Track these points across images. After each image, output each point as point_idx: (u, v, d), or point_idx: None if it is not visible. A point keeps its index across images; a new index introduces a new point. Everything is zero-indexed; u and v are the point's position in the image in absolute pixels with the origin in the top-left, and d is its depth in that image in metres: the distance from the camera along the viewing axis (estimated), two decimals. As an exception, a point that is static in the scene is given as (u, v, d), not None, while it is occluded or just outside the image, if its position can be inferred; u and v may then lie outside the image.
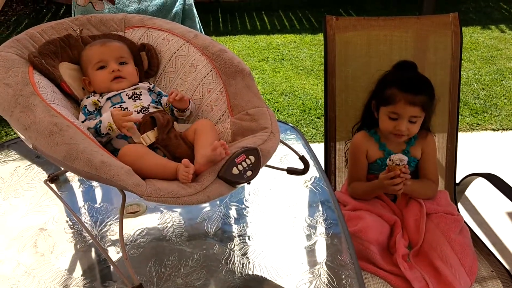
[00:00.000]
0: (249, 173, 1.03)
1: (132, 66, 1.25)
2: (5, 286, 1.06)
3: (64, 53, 1.24)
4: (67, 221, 1.25)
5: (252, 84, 1.23)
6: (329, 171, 1.83)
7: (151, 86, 1.25)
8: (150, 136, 1.11)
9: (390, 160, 1.45)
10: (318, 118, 3.37)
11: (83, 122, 1.13)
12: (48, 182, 1.38)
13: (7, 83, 1.03)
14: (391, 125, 1.52)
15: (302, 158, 1.31)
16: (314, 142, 3.13)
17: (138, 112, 1.16)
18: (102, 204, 1.33)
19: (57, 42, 1.23)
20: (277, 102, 3.57)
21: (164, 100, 1.24)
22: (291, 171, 1.34)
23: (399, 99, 1.49)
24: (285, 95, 3.68)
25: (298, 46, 4.54)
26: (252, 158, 1.05)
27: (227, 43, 4.59)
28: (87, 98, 1.19)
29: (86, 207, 1.32)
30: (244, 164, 1.03)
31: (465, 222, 1.57)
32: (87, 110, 1.16)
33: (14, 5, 5.50)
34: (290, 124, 1.66)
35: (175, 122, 1.18)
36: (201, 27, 2.21)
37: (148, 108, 1.18)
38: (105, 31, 1.33)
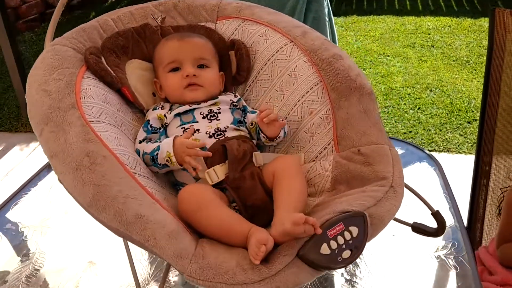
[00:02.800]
0: (346, 253, 0.69)
1: (214, 71, 0.95)
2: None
3: (137, 47, 0.99)
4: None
5: (372, 108, 0.86)
6: (476, 212, 1.38)
7: (235, 100, 0.95)
8: (218, 172, 0.82)
9: None
10: (469, 122, 2.81)
11: (140, 142, 0.87)
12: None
13: (46, 90, 0.80)
14: None
15: (436, 215, 0.92)
16: (460, 153, 2.60)
17: (210, 136, 0.87)
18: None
19: (129, 34, 0.98)
20: (419, 98, 3.06)
21: (249, 118, 0.94)
22: (418, 228, 0.95)
23: None
24: (430, 90, 3.14)
25: (453, 31, 3.90)
26: (354, 230, 0.70)
27: (369, 24, 4.11)
28: (153, 109, 0.93)
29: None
30: (341, 240, 0.69)
31: None
32: (150, 126, 0.90)
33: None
34: (427, 151, 1.25)
35: (257, 153, 0.87)
36: (331, 11, 1.85)
37: (225, 131, 0.88)
38: (192, 21, 1.05)
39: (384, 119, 2.88)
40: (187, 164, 0.79)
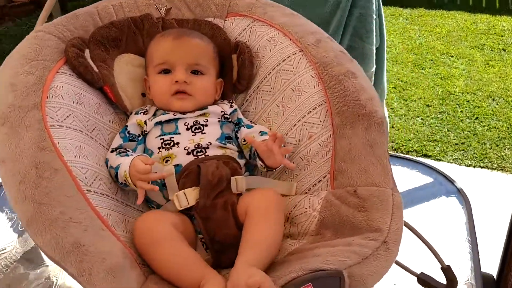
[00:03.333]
0: (311, 321, 0.58)
1: (209, 79, 0.84)
2: None
3: (132, 40, 0.89)
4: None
5: (380, 142, 0.73)
6: (510, 260, 1.21)
7: (228, 111, 0.84)
8: (189, 196, 0.72)
9: None
10: (530, 140, 2.55)
11: (112, 151, 0.78)
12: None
13: (13, 84, 0.73)
14: None
15: (446, 271, 0.78)
16: (514, 173, 2.36)
17: (188, 153, 0.76)
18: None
19: (125, 25, 0.89)
20: (478, 107, 2.82)
21: (243, 133, 0.83)
22: (425, 282, 0.82)
23: None
24: (493, 99, 2.89)
25: (530, 35, 3.56)
26: (325, 293, 0.59)
27: (436, 19, 3.83)
28: (135, 113, 0.83)
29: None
30: (306, 304, 0.58)
31: None
32: (128, 133, 0.80)
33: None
34: (457, 185, 1.09)
35: (238, 177, 0.75)
36: (381, 7, 1.67)
37: (207, 148, 0.77)
38: (199, 15, 0.94)
39: (436, 126, 2.66)
40: (139, 189, 0.70)
